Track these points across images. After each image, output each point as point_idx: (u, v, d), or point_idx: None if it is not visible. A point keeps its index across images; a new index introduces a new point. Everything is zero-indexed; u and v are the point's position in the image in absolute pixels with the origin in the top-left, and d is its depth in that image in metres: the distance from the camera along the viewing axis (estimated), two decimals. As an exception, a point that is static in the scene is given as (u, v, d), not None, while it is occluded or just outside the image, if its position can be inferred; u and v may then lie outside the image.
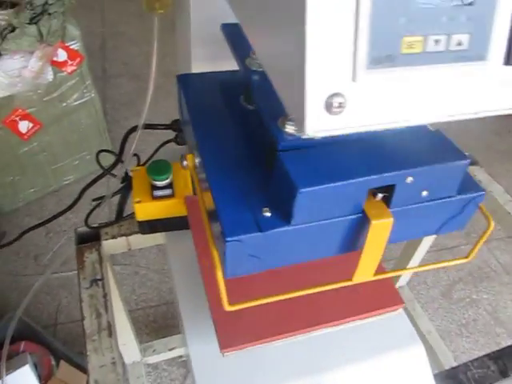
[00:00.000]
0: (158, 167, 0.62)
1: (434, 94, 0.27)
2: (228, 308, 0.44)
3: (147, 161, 0.76)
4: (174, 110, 0.65)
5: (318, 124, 0.25)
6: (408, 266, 1.35)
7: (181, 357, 1.40)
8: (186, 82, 0.57)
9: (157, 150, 0.76)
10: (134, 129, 0.72)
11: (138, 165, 0.75)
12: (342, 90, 0.25)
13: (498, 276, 1.78)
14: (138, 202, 0.63)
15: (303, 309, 0.51)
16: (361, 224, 0.41)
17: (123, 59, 2.67)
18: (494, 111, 0.29)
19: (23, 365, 1.21)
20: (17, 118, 1.57)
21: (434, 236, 1.31)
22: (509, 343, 0.72)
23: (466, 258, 0.52)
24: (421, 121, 0.27)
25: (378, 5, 0.23)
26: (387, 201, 0.41)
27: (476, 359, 0.67)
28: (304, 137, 0.26)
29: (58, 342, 1.34)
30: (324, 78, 0.24)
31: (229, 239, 0.38)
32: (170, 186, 0.63)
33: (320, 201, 0.38)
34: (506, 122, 2.51)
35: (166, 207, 0.64)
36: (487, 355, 0.68)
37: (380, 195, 0.41)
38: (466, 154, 1.01)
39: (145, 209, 0.64)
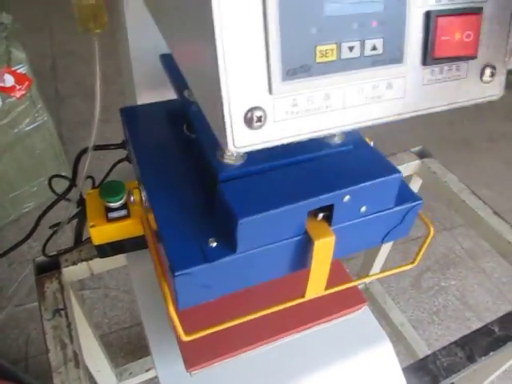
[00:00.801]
0: (111, 188, 0.61)
1: (355, 100, 0.27)
2: (185, 338, 0.44)
3: (101, 182, 0.74)
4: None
5: (240, 140, 0.25)
6: (376, 260, 1.37)
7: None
8: (129, 114, 0.58)
9: (110, 171, 0.75)
10: (85, 150, 0.70)
11: (93, 187, 0.73)
12: (260, 103, 0.25)
13: (463, 261, 1.83)
14: (93, 226, 0.61)
15: (267, 318, 0.51)
16: (305, 244, 0.43)
17: (75, 79, 2.62)
18: (417, 111, 0.30)
19: (-6, 404, 1.16)
20: (-33, 149, 1.52)
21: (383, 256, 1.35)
22: (479, 326, 0.74)
23: (412, 263, 0.54)
24: (344, 128, 0.28)
25: (286, 17, 0.23)
26: (328, 219, 0.42)
27: (444, 347, 0.69)
28: (230, 160, 0.25)
29: (30, 377, 1.29)
30: (240, 93, 0.24)
31: (177, 273, 0.38)
32: (124, 206, 0.62)
33: (262, 227, 0.39)
34: (459, 111, 2.59)
35: (123, 228, 0.62)
36: (454, 342, 0.70)
37: (321, 215, 0.42)
38: (420, 147, 1.02)
39: (100, 232, 0.62)
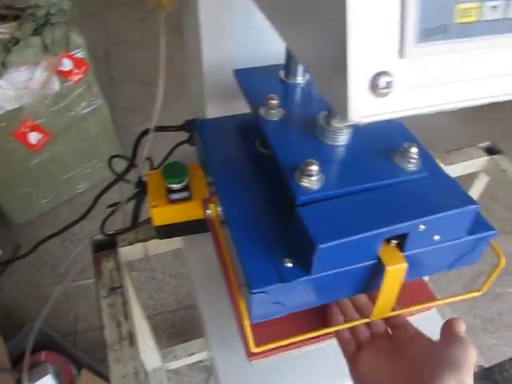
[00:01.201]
0: (174, 169, 0.61)
1: (493, 68, 0.25)
2: (254, 350, 0.46)
3: (160, 164, 0.74)
4: (183, 113, 0.64)
5: (363, 108, 0.23)
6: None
7: (201, 361, 1.39)
8: (204, 128, 0.59)
9: (171, 152, 0.75)
10: (145, 132, 0.71)
11: (151, 169, 0.73)
12: (388, 68, 0.22)
13: (521, 267, 1.74)
14: (154, 206, 0.61)
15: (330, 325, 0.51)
16: (376, 269, 0.44)
17: (128, 65, 2.67)
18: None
19: (45, 375, 1.20)
20: (26, 130, 1.57)
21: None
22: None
23: (479, 290, 0.54)
24: (480, 101, 0.25)
25: None
26: (401, 246, 0.43)
27: (510, 359, 0.65)
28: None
29: (78, 351, 1.33)
30: (368, 56, 0.22)
31: (254, 291, 0.40)
32: (186, 188, 0.61)
33: (338, 252, 0.40)
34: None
35: (183, 210, 0.62)
36: (523, 354, 0.66)
37: (394, 242, 0.43)
38: (488, 142, 0.97)
39: (161, 213, 0.62)
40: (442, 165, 0.49)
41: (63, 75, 1.57)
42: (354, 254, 0.42)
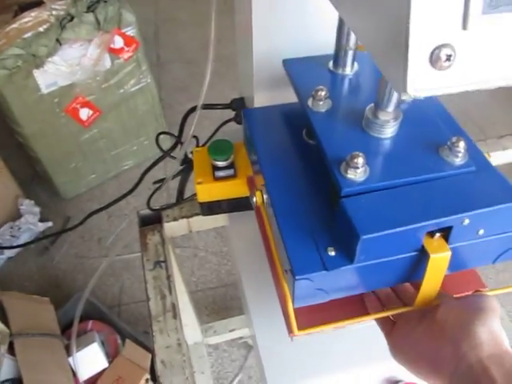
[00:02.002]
0: (220, 147, 0.61)
1: None
2: (297, 333, 0.47)
3: (206, 142, 0.75)
4: (229, 93, 0.64)
5: (421, 82, 0.22)
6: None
7: (241, 338, 1.42)
8: (251, 117, 0.59)
9: (217, 130, 0.75)
10: (193, 109, 0.71)
11: (197, 147, 0.74)
12: (451, 40, 0.21)
13: None
14: (200, 183, 0.62)
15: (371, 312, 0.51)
16: (420, 258, 0.44)
17: (176, 45, 2.69)
18: None
19: (91, 342, 1.26)
20: (77, 106, 1.62)
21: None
22: None
23: None
24: None
25: None
26: (445, 239, 0.43)
27: None
28: (405, 97, 0.23)
29: (122, 322, 1.38)
30: (430, 27, 0.21)
31: (298, 277, 0.41)
32: (231, 166, 0.62)
33: (381, 244, 0.41)
34: None
35: (228, 188, 0.62)
36: None
37: (438, 234, 0.43)
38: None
39: (206, 190, 0.63)
40: (490, 159, 0.48)
41: (114, 52, 1.60)
42: (397, 246, 0.42)
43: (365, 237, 0.39)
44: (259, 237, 0.58)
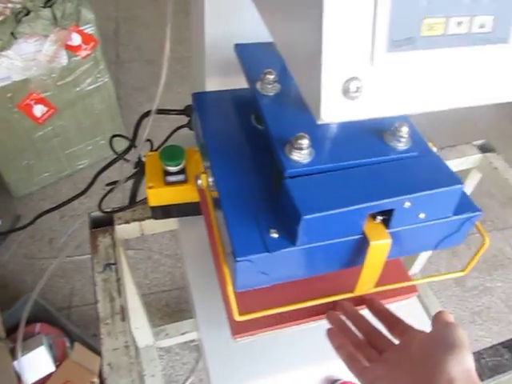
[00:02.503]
0: (171, 152, 0.62)
1: (455, 78, 0.26)
2: (238, 318, 0.47)
3: (160, 146, 0.76)
4: (188, 96, 0.64)
5: (334, 109, 0.25)
6: (421, 254, 1.34)
7: (193, 341, 1.42)
8: (201, 100, 0.59)
9: (170, 136, 0.76)
10: (147, 114, 0.71)
11: (151, 150, 0.75)
12: (359, 74, 0.24)
13: (512, 264, 1.76)
14: (151, 187, 0.63)
15: (315, 297, 0.52)
16: (361, 244, 0.44)
17: (137, 44, 2.66)
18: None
19: (38, 346, 1.23)
20: (32, 102, 1.58)
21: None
22: (522, 331, 0.71)
23: (463, 271, 0.54)
24: (441, 106, 0.27)
25: None
26: (386, 222, 0.44)
27: (490, 347, 0.67)
28: (320, 123, 0.25)
29: (72, 325, 1.36)
30: (341, 62, 0.24)
31: (239, 259, 0.41)
32: (182, 171, 0.63)
33: (323, 225, 0.41)
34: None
35: (179, 193, 0.64)
36: (501, 343, 0.68)
37: (379, 218, 0.43)
38: (482, 140, 0.98)
39: (157, 194, 0.64)
40: (433, 148, 0.50)
41: (71, 50, 1.57)
42: (339, 228, 0.42)
43: (306, 217, 0.39)
44: (208, 241, 0.59)
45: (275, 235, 0.43)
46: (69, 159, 1.86)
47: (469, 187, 1.08)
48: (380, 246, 0.43)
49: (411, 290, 0.58)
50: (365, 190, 0.42)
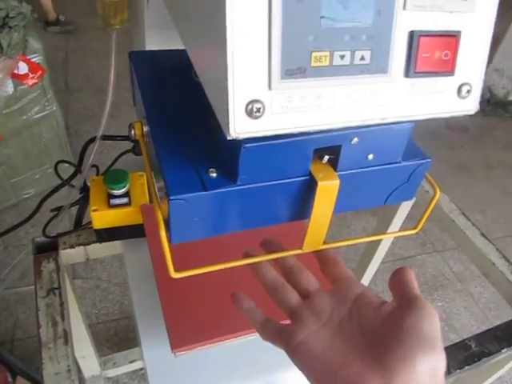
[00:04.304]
0: (115, 176, 0.64)
1: (343, 102, 0.31)
2: (174, 275, 0.42)
3: (106, 171, 0.77)
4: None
5: (240, 127, 0.29)
6: (364, 276, 1.39)
7: (142, 369, 1.40)
8: (137, 58, 0.58)
9: (115, 161, 0.78)
10: (92, 139, 0.73)
11: (97, 175, 0.76)
12: (260, 97, 0.29)
13: (451, 284, 1.85)
14: (95, 210, 0.64)
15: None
16: (308, 187, 0.41)
17: (86, 73, 2.67)
18: (398, 117, 0.33)
19: (-23, 382, 1.18)
20: (-25, 131, 1.55)
21: (389, 245, 1.36)
22: (462, 349, 0.76)
23: (415, 228, 0.53)
24: (332, 126, 0.31)
25: (288, 25, 0.27)
26: (334, 164, 0.41)
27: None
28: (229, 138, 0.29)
29: (14, 358, 1.31)
30: (244, 87, 0.28)
31: (172, 197, 0.37)
32: (126, 194, 0.65)
33: (265, 159, 0.38)
34: (459, 138, 2.65)
35: (123, 215, 0.65)
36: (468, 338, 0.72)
37: (326, 157, 0.41)
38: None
39: (101, 217, 0.65)
40: None
41: (18, 78, 1.57)
42: (283, 165, 0.39)
43: (247, 145, 0.36)
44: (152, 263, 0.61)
45: (214, 174, 0.40)
46: (14, 188, 1.82)
47: (406, 209, 1.15)
48: (328, 187, 0.40)
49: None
50: None
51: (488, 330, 0.80)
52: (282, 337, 0.40)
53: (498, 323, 0.76)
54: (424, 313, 0.36)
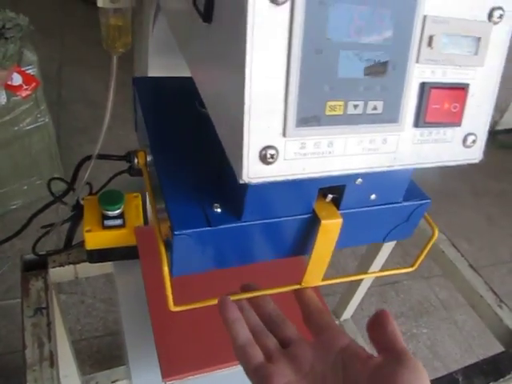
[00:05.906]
0: (111, 197, 0.64)
1: (354, 149, 0.32)
2: (173, 308, 0.42)
3: (99, 190, 0.77)
4: (129, 140, 0.67)
5: (253, 172, 0.29)
6: (352, 300, 1.39)
7: (124, 390, 1.37)
8: (142, 84, 0.58)
9: (110, 181, 0.78)
10: (87, 158, 0.73)
11: (90, 193, 0.76)
12: (274, 143, 0.29)
13: (436, 311, 1.86)
14: (89, 230, 0.64)
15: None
16: (311, 224, 0.42)
17: (80, 85, 2.66)
18: (406, 165, 0.34)
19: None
20: (-35, 140, 1.53)
21: (377, 269, 1.37)
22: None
23: (412, 266, 0.54)
24: (343, 172, 0.32)
25: (305, 76, 0.27)
26: (337, 203, 0.42)
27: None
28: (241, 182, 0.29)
29: (-7, 374, 1.28)
30: (259, 133, 0.28)
31: (177, 233, 0.37)
32: (121, 216, 0.64)
33: (271, 196, 0.38)
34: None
35: (116, 237, 0.65)
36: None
37: (330, 196, 0.41)
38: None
39: (95, 238, 0.65)
40: None
41: (11, 89, 1.56)
42: (287, 203, 0.40)
43: (253, 182, 0.34)
44: (143, 286, 0.60)
45: (218, 210, 0.39)
46: (1, 198, 1.80)
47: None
48: (331, 225, 0.41)
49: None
50: None
51: (475, 363, 0.80)
52: (257, 375, 0.38)
53: (481, 351, 0.77)
54: (415, 369, 0.36)
